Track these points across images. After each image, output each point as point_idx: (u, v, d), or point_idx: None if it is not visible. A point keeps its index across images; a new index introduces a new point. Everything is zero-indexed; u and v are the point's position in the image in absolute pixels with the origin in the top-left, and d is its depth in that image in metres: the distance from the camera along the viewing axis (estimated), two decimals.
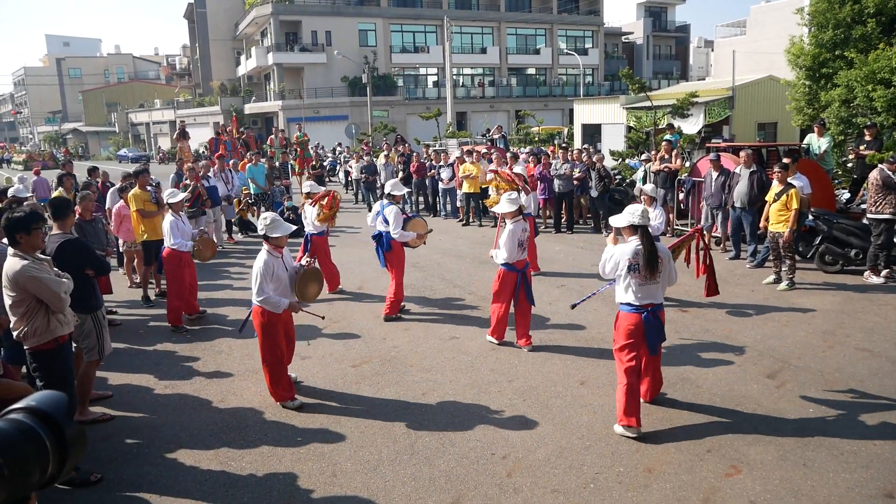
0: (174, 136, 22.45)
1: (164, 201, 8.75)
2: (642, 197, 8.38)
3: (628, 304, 5.23)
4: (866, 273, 9.67)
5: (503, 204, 7.07)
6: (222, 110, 49.82)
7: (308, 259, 6.24)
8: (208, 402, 6.11)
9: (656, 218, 8.14)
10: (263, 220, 5.90)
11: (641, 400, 5.51)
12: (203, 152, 29.91)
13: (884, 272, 9.54)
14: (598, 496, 4.41)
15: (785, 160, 9.96)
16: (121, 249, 10.88)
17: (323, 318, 6.83)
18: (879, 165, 9.68)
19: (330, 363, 7.01)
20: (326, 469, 4.85)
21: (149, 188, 9.50)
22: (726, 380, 6.27)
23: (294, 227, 5.93)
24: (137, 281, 10.22)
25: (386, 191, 8.68)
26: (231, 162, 16.02)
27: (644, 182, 14.29)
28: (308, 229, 9.48)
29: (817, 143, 13.20)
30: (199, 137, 40.02)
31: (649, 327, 5.19)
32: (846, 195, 12.82)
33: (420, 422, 5.56)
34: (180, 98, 62.18)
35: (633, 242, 5.14)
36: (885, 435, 5.12)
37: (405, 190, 9.04)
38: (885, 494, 4.35)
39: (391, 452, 5.06)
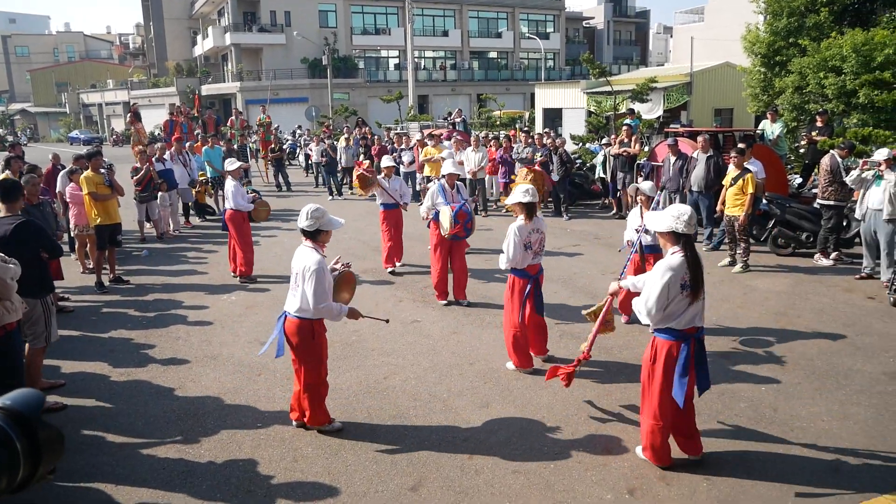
0: (127, 119, 21.85)
1: (226, 168, 9.69)
2: (638, 198, 7.07)
3: (668, 332, 4.30)
4: (816, 256, 9.96)
5: (515, 194, 6.03)
6: (178, 91, 48.57)
7: (343, 263, 5.24)
8: (165, 389, 5.99)
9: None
10: (314, 212, 4.76)
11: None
12: (158, 134, 29.17)
13: (833, 255, 9.84)
14: (558, 475, 4.47)
15: (741, 145, 10.16)
16: (72, 234, 10.57)
17: (387, 321, 5.72)
18: (831, 151, 9.95)
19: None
20: (287, 454, 4.81)
21: (101, 171, 9.22)
22: None
23: (342, 221, 4.97)
24: (91, 266, 9.94)
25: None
26: (187, 144, 15.65)
27: (604, 167, 14.46)
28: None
29: (771, 128, 13.51)
30: (155, 119, 38.96)
31: (699, 358, 4.36)
32: (798, 180, 13.17)
33: (381, 406, 5.55)
34: (134, 78, 60.38)
35: (677, 255, 4.21)
36: (832, 412, 5.29)
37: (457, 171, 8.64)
38: (833, 468, 4.50)
39: (352, 437, 5.04)
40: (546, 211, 15.04)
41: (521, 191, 5.98)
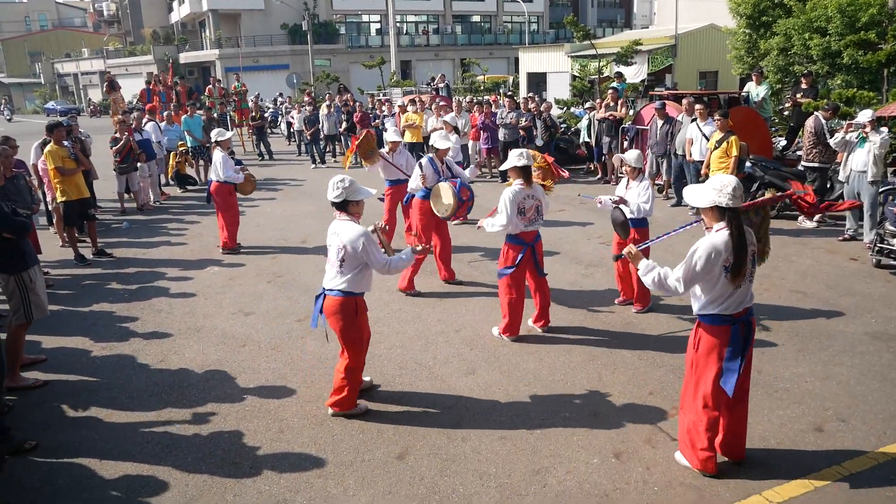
0: (104, 89, 21.33)
1: (214, 139, 9.26)
2: (624, 168, 6.57)
3: (714, 316, 3.84)
4: (800, 218, 9.99)
5: (510, 159, 5.82)
6: (156, 59, 47.49)
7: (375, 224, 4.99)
8: (149, 362, 5.93)
9: (639, 195, 6.31)
10: (340, 182, 4.60)
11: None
12: (136, 104, 28.60)
13: (816, 217, 9.86)
14: (544, 441, 4.49)
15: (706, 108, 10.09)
16: (49, 207, 10.37)
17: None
18: (815, 113, 9.92)
19: (274, 318, 6.88)
20: (273, 425, 4.79)
21: (65, 143, 8.97)
22: (667, 324, 6.42)
23: (373, 192, 4.86)
24: None
25: (431, 142, 7.65)
26: (165, 114, 15.35)
27: (589, 131, 14.35)
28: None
29: (756, 91, 13.42)
30: (133, 88, 38.12)
31: (747, 343, 3.87)
32: (783, 142, 13.14)
33: (367, 374, 5.52)
34: (110, 47, 58.90)
35: (723, 233, 3.69)
36: (815, 373, 5.34)
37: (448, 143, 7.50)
38: (815, 428, 4.55)
39: None
40: None
41: (516, 154, 5.80)
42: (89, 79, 58.86)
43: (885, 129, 8.84)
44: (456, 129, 12.90)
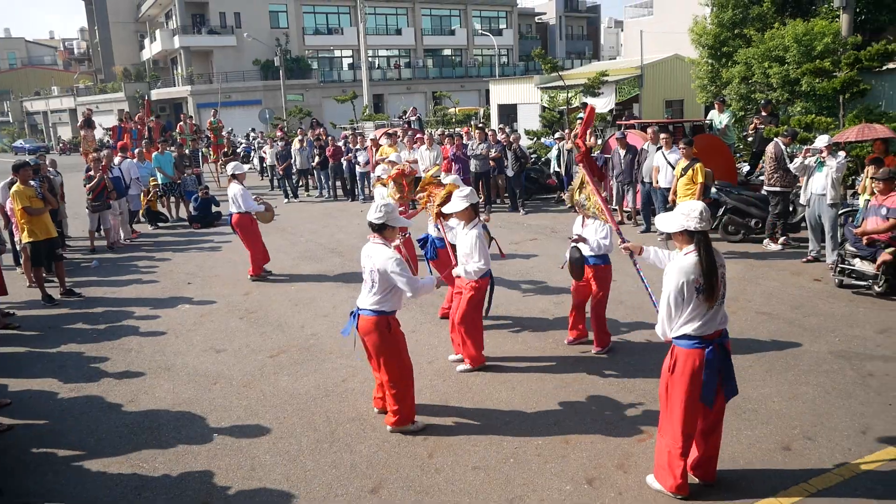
0: (78, 124, 21.22)
1: (232, 172, 9.60)
2: (576, 207, 6.26)
3: (688, 338, 3.92)
4: (765, 241, 10.23)
5: (455, 202, 5.80)
6: (127, 97, 47.44)
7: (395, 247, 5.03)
8: (118, 403, 5.84)
9: (597, 232, 6.12)
10: (385, 206, 4.82)
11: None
12: (107, 141, 28.44)
13: (781, 240, 10.11)
14: (517, 469, 4.50)
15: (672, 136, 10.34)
16: (17, 247, 10.23)
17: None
18: (775, 139, 10.22)
19: (246, 355, 6.83)
20: (245, 463, 4.74)
21: (32, 183, 8.90)
22: (638, 348, 6.50)
23: (410, 222, 5.15)
24: None
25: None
26: (136, 151, 15.31)
27: (558, 161, 14.58)
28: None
29: (719, 118, 13.80)
30: (104, 125, 37.98)
31: (725, 364, 4.00)
32: (746, 168, 13.48)
33: (340, 409, 5.50)
34: (80, 84, 58.72)
35: (691, 255, 3.84)
36: (782, 393, 5.44)
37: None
38: (783, 447, 4.63)
39: (311, 441, 4.99)
40: (503, 206, 15.12)
41: (460, 196, 5.77)
42: (59, 116, 58.47)
43: (841, 154, 9.14)
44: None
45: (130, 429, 5.34)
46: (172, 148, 16.29)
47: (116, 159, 13.79)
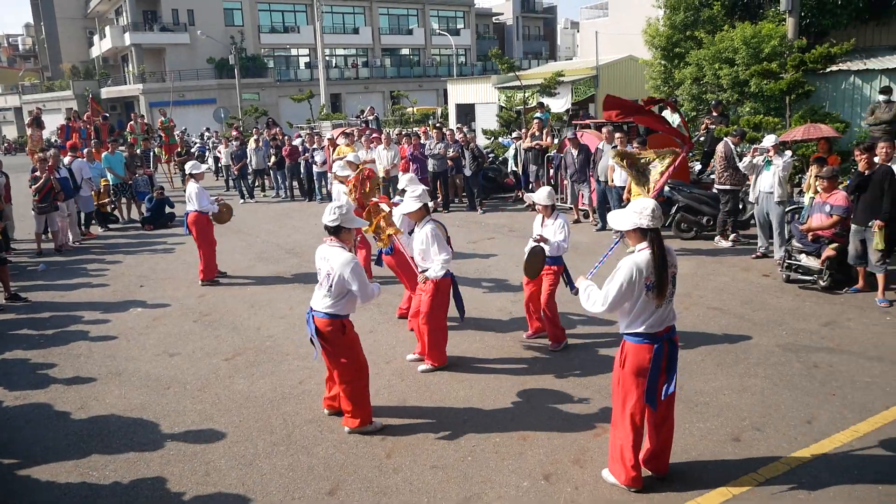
0: (27, 123, 20.52)
1: (189, 171, 9.38)
2: (537, 207, 6.38)
3: (637, 335, 4.00)
4: (717, 238, 10.47)
5: (407, 203, 5.89)
6: (75, 95, 46.05)
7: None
8: (66, 411, 5.67)
9: (556, 234, 6.20)
10: (338, 208, 4.77)
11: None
12: (55, 141, 27.60)
13: (731, 237, 10.38)
14: (475, 467, 4.52)
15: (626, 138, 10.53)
16: None
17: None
18: (725, 139, 10.48)
19: (201, 358, 6.71)
20: (199, 469, 4.65)
21: None
22: (592, 345, 6.59)
23: (366, 223, 5.07)
24: None
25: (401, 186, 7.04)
26: (85, 151, 14.87)
27: (515, 160, 14.69)
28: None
29: (671, 118, 14.05)
30: (51, 125, 36.79)
31: (670, 360, 4.03)
32: (698, 167, 13.79)
33: (297, 411, 5.45)
34: (26, 82, 56.76)
35: (644, 252, 3.90)
36: (733, 386, 5.58)
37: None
38: (733, 438, 4.75)
39: (267, 445, 4.92)
40: (461, 205, 15.15)
41: (412, 197, 5.87)
42: (3, 115, 56.51)
43: (788, 153, 9.43)
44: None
45: (80, 436, 5.20)
46: (123, 148, 15.89)
47: (66, 159, 13.41)
